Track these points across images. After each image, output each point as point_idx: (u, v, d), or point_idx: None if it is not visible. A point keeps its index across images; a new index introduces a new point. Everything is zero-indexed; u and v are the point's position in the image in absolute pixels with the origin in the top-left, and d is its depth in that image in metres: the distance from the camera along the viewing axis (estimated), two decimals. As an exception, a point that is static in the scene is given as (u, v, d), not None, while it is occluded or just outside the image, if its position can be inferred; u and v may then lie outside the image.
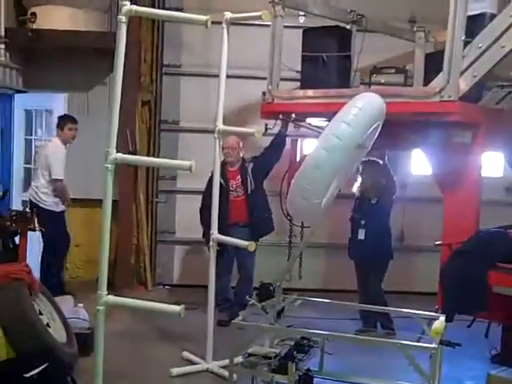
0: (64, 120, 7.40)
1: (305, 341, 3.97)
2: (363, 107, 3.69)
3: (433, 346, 3.62)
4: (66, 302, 5.87)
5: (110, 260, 7.97)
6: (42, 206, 7.17)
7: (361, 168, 6.76)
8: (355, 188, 6.77)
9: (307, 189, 3.52)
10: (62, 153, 7.30)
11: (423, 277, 8.03)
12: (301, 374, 3.77)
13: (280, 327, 4.01)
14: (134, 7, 3.91)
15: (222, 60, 5.38)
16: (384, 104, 3.99)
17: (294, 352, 3.84)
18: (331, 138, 3.54)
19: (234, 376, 5.10)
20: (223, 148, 6.76)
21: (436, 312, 5.03)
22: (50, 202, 7.23)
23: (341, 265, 7.55)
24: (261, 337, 4.07)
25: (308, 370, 3.89)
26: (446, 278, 5.42)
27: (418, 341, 4.79)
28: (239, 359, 3.83)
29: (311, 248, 8.12)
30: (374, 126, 3.79)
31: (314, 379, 3.97)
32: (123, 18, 3.85)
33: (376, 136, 4.00)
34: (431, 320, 4.34)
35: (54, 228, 7.18)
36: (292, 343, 3.97)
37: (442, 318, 4.09)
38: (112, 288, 7.69)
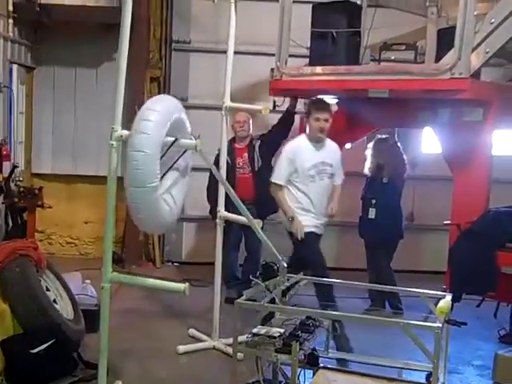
0: (310, 105, 5.53)
1: (310, 320, 3.94)
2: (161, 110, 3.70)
3: (436, 324, 3.58)
4: (73, 279, 5.89)
5: (119, 237, 8.15)
6: None
7: (371, 147, 6.72)
8: (366, 168, 6.72)
9: (134, 174, 3.52)
10: (287, 152, 5.54)
11: (432, 256, 7.99)
12: (306, 353, 3.73)
13: (284, 307, 3.97)
14: (139, -19, 3.84)
15: (229, 36, 5.32)
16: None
17: (299, 332, 3.80)
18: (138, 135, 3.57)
19: (241, 355, 5.14)
20: (235, 122, 6.71)
21: (444, 291, 5.00)
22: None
23: (351, 243, 7.53)
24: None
25: (314, 349, 3.84)
26: (454, 258, 5.39)
27: (426, 320, 4.77)
28: (243, 338, 3.80)
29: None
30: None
31: (320, 359, 3.93)
32: (128, -8, 3.78)
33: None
34: (439, 299, 4.31)
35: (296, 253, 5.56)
36: (297, 323, 3.94)
37: (448, 296, 4.05)
38: (121, 265, 7.80)
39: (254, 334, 3.71)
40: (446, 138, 5.81)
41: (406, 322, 3.68)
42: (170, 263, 8.66)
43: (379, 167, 6.62)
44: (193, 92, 8.51)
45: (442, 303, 3.81)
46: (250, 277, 4.07)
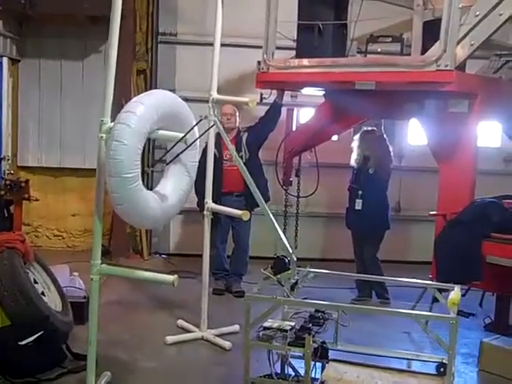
0: None
1: (319, 313, 3.95)
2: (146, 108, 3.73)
3: (452, 316, 3.60)
4: (61, 271, 5.88)
5: (106, 229, 8.14)
6: None
7: (358, 138, 6.76)
8: (352, 159, 6.75)
9: (112, 163, 3.56)
10: None
11: (418, 246, 8.06)
12: (316, 346, 3.73)
13: (297, 300, 3.96)
14: (126, -27, 3.84)
15: (216, 28, 5.32)
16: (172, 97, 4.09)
17: (310, 325, 3.81)
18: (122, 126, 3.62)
19: (229, 343, 5.18)
20: (222, 115, 6.72)
21: (431, 281, 5.06)
22: None
23: (338, 234, 7.57)
24: (274, 310, 4.01)
25: (323, 342, 3.85)
26: (440, 248, 5.44)
27: (430, 310, 4.82)
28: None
29: (309, 218, 8.17)
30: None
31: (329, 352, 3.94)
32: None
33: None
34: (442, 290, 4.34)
35: None
36: (306, 315, 3.94)
37: (457, 288, 4.07)
38: (108, 257, 7.80)
39: (265, 328, 3.70)
40: (432, 130, 5.85)
41: (420, 313, 3.70)
42: (157, 255, 8.66)
43: (365, 159, 6.66)
44: (179, 84, 8.48)
45: (453, 295, 3.83)
46: (262, 270, 4.06)
